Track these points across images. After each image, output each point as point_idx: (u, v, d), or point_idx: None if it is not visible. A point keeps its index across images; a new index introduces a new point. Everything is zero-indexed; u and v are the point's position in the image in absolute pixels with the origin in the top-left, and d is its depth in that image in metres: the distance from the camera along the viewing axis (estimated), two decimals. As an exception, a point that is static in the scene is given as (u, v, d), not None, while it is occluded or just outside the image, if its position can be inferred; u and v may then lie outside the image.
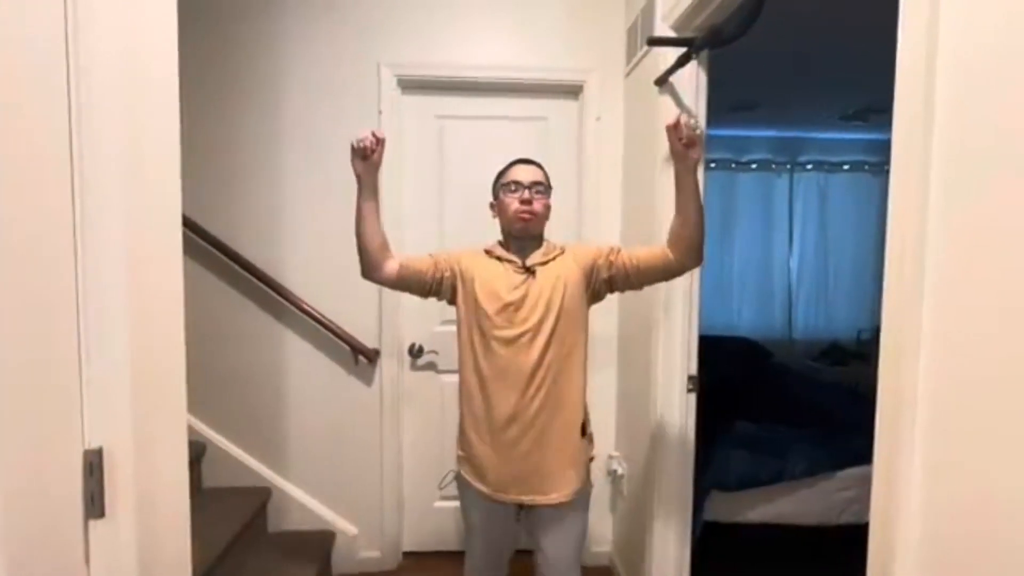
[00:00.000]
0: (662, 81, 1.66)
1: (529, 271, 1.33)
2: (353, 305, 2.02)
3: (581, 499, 1.36)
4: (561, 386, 1.31)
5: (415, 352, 2.11)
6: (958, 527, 0.66)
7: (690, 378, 1.71)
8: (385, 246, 1.33)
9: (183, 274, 0.81)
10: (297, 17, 1.96)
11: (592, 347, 2.06)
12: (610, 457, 2.12)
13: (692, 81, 1.64)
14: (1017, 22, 0.59)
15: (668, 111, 1.67)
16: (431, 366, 2.14)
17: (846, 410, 2.56)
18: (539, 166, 1.42)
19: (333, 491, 2.07)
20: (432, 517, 2.17)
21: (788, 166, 4.07)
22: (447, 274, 1.37)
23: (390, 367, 2.06)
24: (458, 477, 1.42)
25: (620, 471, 2.04)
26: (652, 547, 1.73)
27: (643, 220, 1.85)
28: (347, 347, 1.99)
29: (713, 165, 3.83)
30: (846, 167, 4.06)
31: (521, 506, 1.33)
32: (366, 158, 1.25)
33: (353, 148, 1.24)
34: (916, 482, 0.72)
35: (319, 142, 2.00)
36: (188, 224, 1.89)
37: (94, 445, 0.64)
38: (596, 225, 2.09)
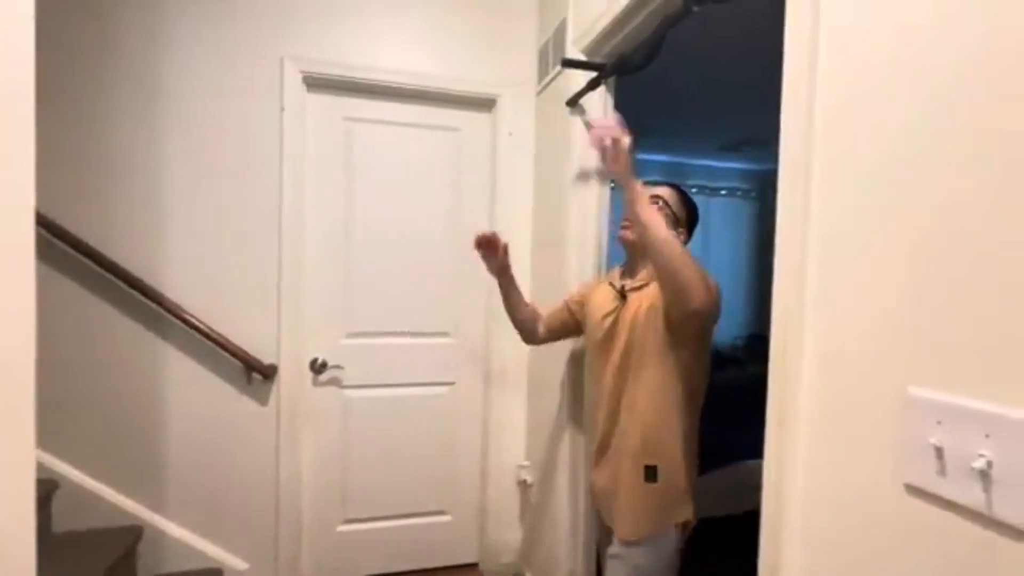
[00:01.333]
0: (573, 102, 1.73)
1: (623, 296, 1.30)
2: (247, 317, 1.84)
3: (648, 547, 1.20)
4: (632, 420, 1.22)
5: (318, 367, 1.97)
6: (829, 512, 0.75)
7: (597, 387, 1.78)
8: (532, 317, 1.55)
9: (36, 281, 0.68)
10: (188, 2, 1.77)
11: (502, 365, 2.11)
12: (520, 467, 2.13)
13: (601, 104, 1.73)
14: (875, 73, 0.69)
15: (579, 131, 1.75)
16: (335, 381, 2.01)
17: (724, 411, 2.82)
18: (675, 189, 1.35)
19: (219, 523, 1.85)
20: (336, 542, 2.03)
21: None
22: (576, 310, 1.49)
23: (289, 384, 1.90)
24: None
25: (530, 481, 2.07)
26: (559, 552, 1.77)
27: (554, 235, 1.91)
28: (239, 363, 1.80)
29: (612, 185, 4.08)
30: (723, 192, 4.53)
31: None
32: (487, 257, 1.45)
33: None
34: (800, 474, 0.81)
35: (212, 138, 1.80)
36: (46, 225, 1.61)
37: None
38: (506, 236, 2.09)
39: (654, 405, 1.20)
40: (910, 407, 0.64)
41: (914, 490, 0.64)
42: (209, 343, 1.77)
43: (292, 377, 1.91)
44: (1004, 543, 0.54)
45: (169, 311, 1.73)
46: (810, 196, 0.80)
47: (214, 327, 1.78)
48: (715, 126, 3.52)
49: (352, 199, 2.01)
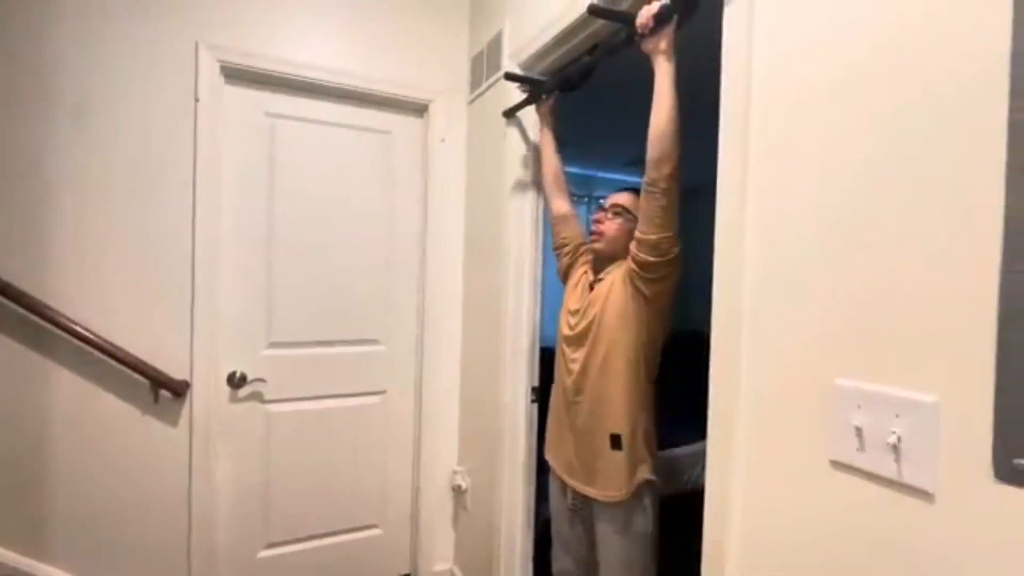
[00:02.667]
0: (511, 114, 1.79)
1: (590, 288, 1.42)
2: (156, 330, 1.65)
3: (625, 510, 1.32)
4: (598, 391, 1.33)
5: (236, 382, 1.82)
6: (767, 489, 0.87)
7: (533, 389, 1.84)
8: (556, 178, 1.62)
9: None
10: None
11: (435, 370, 2.09)
12: (454, 473, 2.14)
13: (538, 119, 1.79)
14: (802, 102, 0.82)
15: (516, 142, 1.81)
16: (256, 396, 1.87)
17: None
18: (634, 193, 1.39)
19: (119, 565, 1.63)
20: (257, 570, 1.88)
21: (586, 198, 4.72)
22: (570, 251, 1.58)
23: (203, 401, 1.73)
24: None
25: (464, 486, 2.08)
26: (500, 553, 1.80)
27: (488, 243, 1.94)
28: (145, 380, 1.61)
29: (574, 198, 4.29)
30: (628, 202, 4.89)
31: (576, 496, 1.41)
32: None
33: None
34: (741, 458, 0.93)
35: (114, 131, 1.60)
36: None
37: None
38: (439, 243, 2.12)
39: (617, 375, 1.31)
40: (836, 394, 0.77)
41: (839, 464, 0.77)
42: (107, 359, 1.56)
43: (207, 393, 1.74)
44: (911, 502, 0.67)
45: (58, 325, 1.50)
46: (745, 214, 0.92)
47: (116, 342, 1.57)
48: (621, 143, 3.79)
49: (274, 200, 1.89)
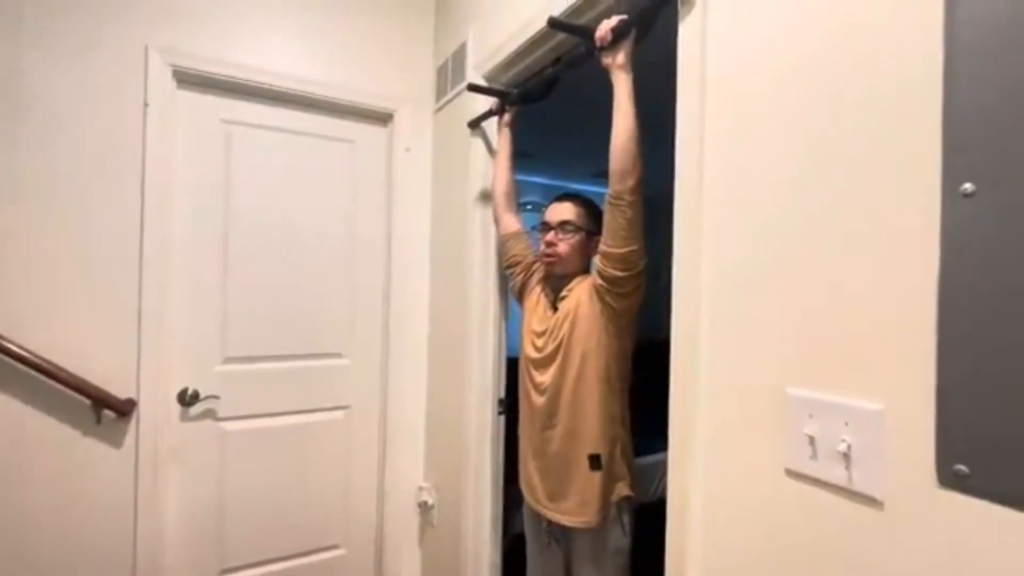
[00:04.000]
0: (475, 124, 1.78)
1: (554, 307, 1.39)
2: (99, 346, 1.56)
3: (604, 532, 1.28)
4: (573, 412, 1.29)
5: (188, 399, 1.73)
6: (724, 498, 0.88)
7: (500, 401, 1.82)
8: (508, 194, 1.59)
9: None
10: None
11: (401, 384, 2.04)
12: (420, 488, 2.09)
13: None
14: (752, 116, 0.84)
15: (480, 153, 1.80)
16: (209, 414, 1.79)
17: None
18: (576, 202, 1.41)
19: (53, 599, 1.52)
20: (207, 599, 1.79)
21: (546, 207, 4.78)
22: (522, 269, 1.54)
23: (151, 420, 1.64)
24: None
25: (430, 501, 2.03)
26: (467, 569, 1.76)
27: (454, 253, 1.92)
28: (85, 399, 1.51)
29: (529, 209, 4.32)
30: (593, 212, 4.98)
31: (551, 524, 1.35)
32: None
33: None
34: (700, 467, 0.93)
35: (51, 132, 1.51)
36: None
37: None
38: (404, 254, 2.08)
39: (592, 395, 1.28)
40: (788, 404, 0.78)
41: (792, 473, 0.77)
42: (42, 376, 1.46)
43: (155, 412, 1.65)
44: (862, 510, 0.68)
45: (-17, 341, 1.40)
46: (701, 233, 0.93)
47: (52, 358, 1.47)
48: (587, 155, 3.86)
49: (230, 209, 1.82)
